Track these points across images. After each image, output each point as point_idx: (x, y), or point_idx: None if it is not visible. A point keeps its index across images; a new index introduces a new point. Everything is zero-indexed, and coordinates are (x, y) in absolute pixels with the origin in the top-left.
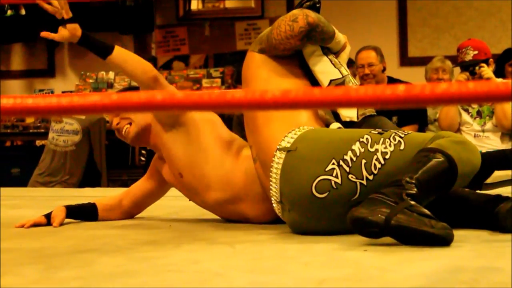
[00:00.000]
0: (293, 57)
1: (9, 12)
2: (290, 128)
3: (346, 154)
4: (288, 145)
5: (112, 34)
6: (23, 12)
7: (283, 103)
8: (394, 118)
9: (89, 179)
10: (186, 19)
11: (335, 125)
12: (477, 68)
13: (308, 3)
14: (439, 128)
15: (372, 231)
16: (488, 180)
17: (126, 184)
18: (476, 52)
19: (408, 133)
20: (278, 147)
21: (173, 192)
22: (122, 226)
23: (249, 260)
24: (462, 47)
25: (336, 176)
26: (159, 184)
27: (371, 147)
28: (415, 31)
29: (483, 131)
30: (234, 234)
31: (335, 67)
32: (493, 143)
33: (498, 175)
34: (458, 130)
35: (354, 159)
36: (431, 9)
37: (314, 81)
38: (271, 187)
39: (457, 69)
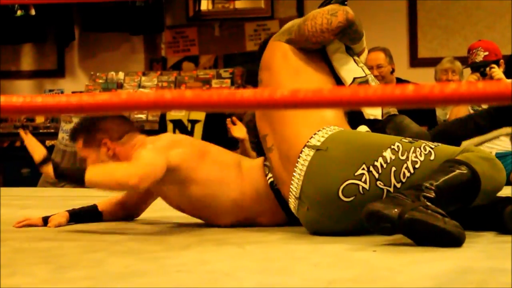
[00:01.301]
0: (318, 52)
1: (19, 12)
2: (318, 126)
3: (376, 160)
4: (318, 143)
5: (122, 35)
6: (33, 12)
7: (293, 103)
8: None
9: None
10: (196, 19)
11: (363, 128)
12: (487, 69)
13: (333, 1)
14: None
15: (385, 227)
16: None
17: None
18: (486, 53)
19: (438, 145)
20: (307, 144)
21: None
22: (132, 226)
23: (258, 261)
24: (473, 48)
25: (365, 182)
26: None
27: (402, 155)
28: (425, 32)
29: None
30: (244, 235)
31: (357, 65)
32: (503, 144)
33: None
34: None
35: (385, 166)
36: (441, 10)
37: (337, 79)
38: (292, 182)
39: (467, 70)
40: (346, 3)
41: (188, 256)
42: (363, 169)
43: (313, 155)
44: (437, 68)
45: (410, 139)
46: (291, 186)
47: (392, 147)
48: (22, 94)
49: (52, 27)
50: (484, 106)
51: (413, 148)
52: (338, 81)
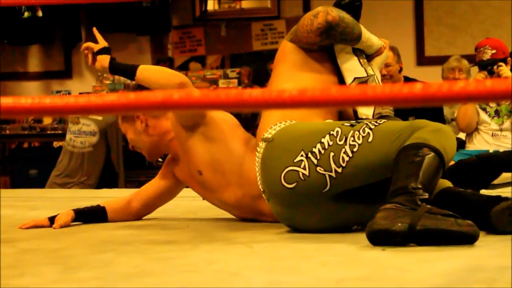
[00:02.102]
0: (324, 52)
1: (26, 14)
2: (281, 120)
3: (315, 147)
4: (269, 136)
5: (128, 35)
6: (40, 13)
7: (300, 102)
8: (411, 119)
9: (107, 180)
10: (203, 19)
11: (328, 121)
12: (495, 67)
13: (346, 0)
14: (457, 128)
15: (395, 241)
16: (496, 181)
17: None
18: (494, 51)
19: (379, 124)
20: (262, 137)
21: (190, 192)
22: (140, 226)
23: (266, 260)
24: (480, 46)
25: (304, 168)
26: (171, 185)
27: (340, 140)
28: (431, 30)
29: (501, 130)
30: (252, 234)
31: (362, 66)
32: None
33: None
34: (476, 129)
35: (323, 151)
36: (447, 8)
37: (342, 78)
38: (257, 176)
39: (474, 69)
40: (358, 3)
41: (197, 255)
42: (302, 155)
43: (264, 147)
44: (444, 67)
45: (353, 122)
46: (257, 180)
47: (331, 132)
48: (29, 95)
49: (59, 28)
50: (492, 105)
51: (351, 131)
52: (343, 81)
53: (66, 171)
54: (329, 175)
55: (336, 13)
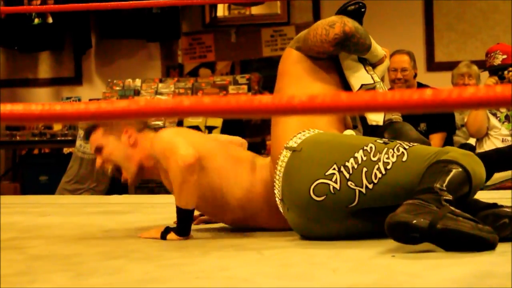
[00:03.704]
0: (330, 60)
1: (36, 21)
2: (302, 128)
3: (348, 161)
4: (295, 145)
5: (138, 42)
6: (50, 20)
7: (311, 108)
8: (422, 125)
9: (117, 187)
10: (212, 26)
11: (348, 132)
12: (506, 72)
13: (352, 7)
14: (468, 134)
15: (413, 237)
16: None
17: (153, 191)
18: (505, 56)
19: (413, 145)
20: (285, 145)
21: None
22: None
23: (277, 267)
24: (491, 52)
25: (335, 181)
26: None
27: (374, 156)
28: (441, 36)
29: (511, 135)
30: (262, 241)
31: (367, 73)
32: None
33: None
34: (486, 135)
35: (356, 166)
36: (457, 13)
37: (348, 86)
38: (275, 184)
39: (484, 74)
40: (363, 10)
41: (207, 262)
42: (334, 169)
43: (289, 156)
44: (454, 73)
45: (386, 140)
46: (275, 187)
47: (365, 148)
48: (40, 101)
49: (69, 35)
50: (502, 110)
51: (386, 149)
52: (349, 89)
53: (76, 177)
54: (359, 191)
55: (352, 24)
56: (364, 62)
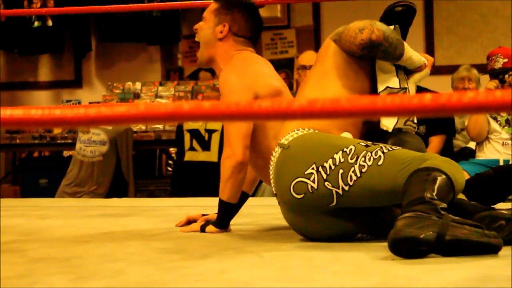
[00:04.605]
0: (364, 58)
1: (36, 24)
2: (302, 127)
3: (326, 162)
4: (286, 142)
5: (139, 45)
6: (50, 23)
7: (310, 113)
8: (422, 128)
9: (117, 190)
10: None
11: (345, 134)
12: (506, 76)
13: (400, 8)
14: (467, 137)
15: (419, 250)
16: None
17: (153, 194)
18: (506, 60)
19: (393, 149)
20: (278, 142)
21: (200, 202)
22: (150, 236)
23: (277, 270)
24: (492, 55)
25: (313, 181)
26: None
27: (352, 158)
28: (441, 40)
29: (511, 139)
30: (262, 243)
31: (397, 77)
32: None
33: None
34: (487, 139)
35: (333, 167)
36: (457, 17)
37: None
38: (271, 178)
39: (484, 78)
40: (412, 13)
41: (207, 265)
42: (313, 168)
43: (279, 153)
44: (454, 76)
45: (369, 142)
46: (271, 182)
47: (345, 149)
48: (40, 105)
49: (69, 37)
50: (503, 114)
51: (364, 152)
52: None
53: (76, 180)
54: (336, 192)
55: (381, 32)
56: (399, 66)
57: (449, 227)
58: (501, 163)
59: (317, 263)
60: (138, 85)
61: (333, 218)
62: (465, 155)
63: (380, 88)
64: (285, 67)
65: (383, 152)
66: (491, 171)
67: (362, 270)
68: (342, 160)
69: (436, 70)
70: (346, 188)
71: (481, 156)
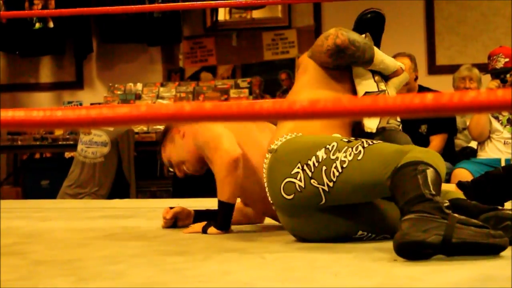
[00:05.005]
0: (343, 70)
1: (37, 25)
2: (292, 132)
3: (310, 159)
4: (276, 147)
5: (140, 46)
6: (51, 25)
7: (312, 113)
8: (423, 127)
9: (118, 191)
10: (214, 29)
11: (335, 135)
12: (508, 75)
13: (369, 15)
14: (469, 137)
15: (425, 253)
16: None
17: (155, 195)
18: (507, 59)
19: (373, 143)
20: (268, 148)
21: (202, 203)
22: (152, 237)
23: (279, 271)
24: (493, 55)
25: (300, 180)
26: None
27: (333, 154)
28: (442, 39)
29: None
30: (264, 245)
31: (375, 81)
32: None
33: None
34: (488, 138)
35: (316, 164)
36: (458, 16)
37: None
38: (266, 187)
39: (485, 77)
40: (382, 17)
41: (209, 266)
42: (298, 167)
43: (270, 158)
44: (455, 76)
45: (351, 138)
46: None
47: (327, 146)
48: (41, 106)
49: (70, 39)
50: (504, 113)
51: (346, 147)
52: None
53: (78, 181)
54: (322, 189)
55: (346, 37)
56: (375, 72)
57: (455, 228)
58: (503, 162)
59: (318, 264)
60: (139, 86)
61: (329, 217)
62: (467, 154)
63: (360, 94)
64: (286, 67)
65: (363, 147)
66: (501, 169)
67: (364, 270)
68: (324, 156)
69: (437, 70)
70: (331, 184)
71: (483, 155)
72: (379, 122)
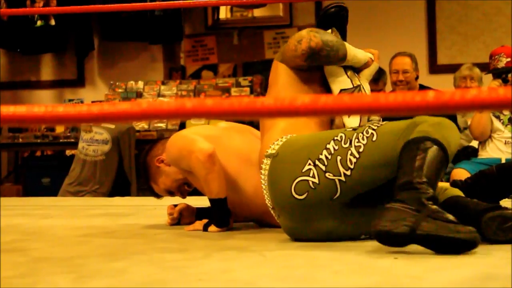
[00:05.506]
0: (314, 70)
1: (39, 23)
2: (279, 135)
3: (321, 154)
4: (273, 151)
5: (141, 44)
6: (52, 22)
7: (313, 110)
8: None
9: (119, 189)
10: (215, 28)
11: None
12: (510, 75)
13: (332, 10)
14: (470, 136)
15: (397, 242)
16: None
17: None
18: (509, 59)
19: (382, 124)
20: (265, 154)
21: (203, 201)
22: (153, 235)
23: (279, 269)
24: (495, 54)
25: (313, 176)
26: None
27: (345, 143)
28: (444, 39)
29: None
30: (264, 243)
31: (348, 77)
32: None
33: None
34: (489, 137)
35: (329, 157)
36: (460, 16)
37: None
38: (264, 194)
39: (487, 77)
40: (343, 13)
41: (209, 264)
42: (309, 164)
43: (270, 164)
44: (456, 75)
45: (356, 126)
46: (265, 198)
47: (336, 138)
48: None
49: (72, 37)
50: (506, 113)
51: (355, 134)
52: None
53: (79, 179)
54: (339, 180)
55: (319, 39)
56: (347, 67)
57: (423, 221)
58: (503, 162)
59: (319, 262)
60: (140, 84)
61: (338, 219)
62: (468, 154)
63: (335, 92)
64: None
65: (373, 129)
66: (494, 168)
67: (364, 269)
68: (336, 147)
69: (439, 69)
70: (348, 172)
71: (484, 154)
72: (360, 120)
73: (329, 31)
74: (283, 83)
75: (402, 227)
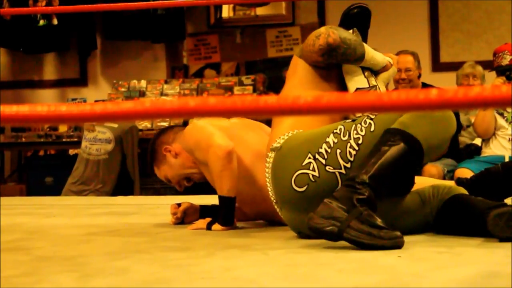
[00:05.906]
0: (332, 68)
1: (41, 22)
2: (287, 130)
3: (321, 147)
4: (278, 145)
5: (144, 43)
6: (55, 22)
7: (316, 108)
8: None
9: (122, 188)
10: (217, 27)
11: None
12: None
13: (356, 10)
14: (473, 134)
15: (328, 238)
16: None
17: (159, 192)
18: None
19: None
20: (270, 147)
21: (206, 200)
22: (156, 233)
23: (282, 267)
24: (499, 52)
25: (313, 169)
26: None
27: (344, 136)
28: (447, 37)
29: None
30: (267, 241)
31: (365, 77)
32: None
33: None
34: (493, 135)
35: (329, 150)
36: (463, 14)
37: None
38: (268, 188)
39: (489, 74)
40: (368, 13)
41: (212, 263)
42: (309, 158)
43: (274, 157)
44: (458, 73)
45: (354, 117)
46: (269, 192)
47: (335, 131)
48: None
49: (74, 36)
50: (509, 110)
51: (353, 126)
52: None
53: (82, 178)
54: (339, 172)
55: (337, 35)
56: (364, 68)
57: (347, 227)
58: (507, 159)
59: (322, 261)
60: (143, 83)
61: None
62: (471, 151)
63: (351, 90)
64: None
65: (371, 119)
66: (500, 166)
67: (368, 267)
68: (335, 140)
69: (441, 67)
70: (348, 165)
71: (487, 152)
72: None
73: (350, 31)
74: (300, 78)
75: (331, 227)
